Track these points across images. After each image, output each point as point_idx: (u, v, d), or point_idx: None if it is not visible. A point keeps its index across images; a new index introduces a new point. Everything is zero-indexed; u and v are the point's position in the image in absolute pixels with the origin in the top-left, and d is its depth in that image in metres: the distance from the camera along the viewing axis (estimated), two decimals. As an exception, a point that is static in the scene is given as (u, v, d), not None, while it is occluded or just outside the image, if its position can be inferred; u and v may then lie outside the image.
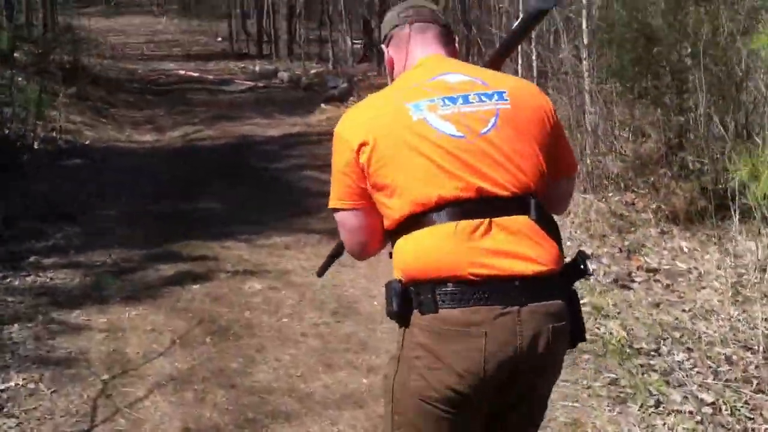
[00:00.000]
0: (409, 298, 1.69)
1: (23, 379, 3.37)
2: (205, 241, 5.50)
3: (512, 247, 1.66)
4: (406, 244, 1.72)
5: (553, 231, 1.74)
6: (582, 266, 1.76)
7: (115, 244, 5.32)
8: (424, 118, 1.72)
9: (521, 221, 1.69)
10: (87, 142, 8.85)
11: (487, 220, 1.66)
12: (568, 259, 1.77)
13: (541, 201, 1.74)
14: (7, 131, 7.36)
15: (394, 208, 1.72)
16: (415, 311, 1.68)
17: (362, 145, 1.71)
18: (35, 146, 7.73)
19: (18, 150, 7.23)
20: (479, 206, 1.67)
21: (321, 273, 2.28)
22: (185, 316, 4.18)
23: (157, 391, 3.34)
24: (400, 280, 1.71)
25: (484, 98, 1.76)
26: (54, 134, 8.52)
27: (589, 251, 4.89)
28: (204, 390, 3.38)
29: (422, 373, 1.68)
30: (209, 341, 3.86)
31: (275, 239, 5.60)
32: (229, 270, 4.93)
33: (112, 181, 7.24)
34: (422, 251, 1.68)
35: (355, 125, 1.77)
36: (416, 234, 1.70)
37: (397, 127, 1.72)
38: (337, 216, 1.84)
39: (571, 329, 1.75)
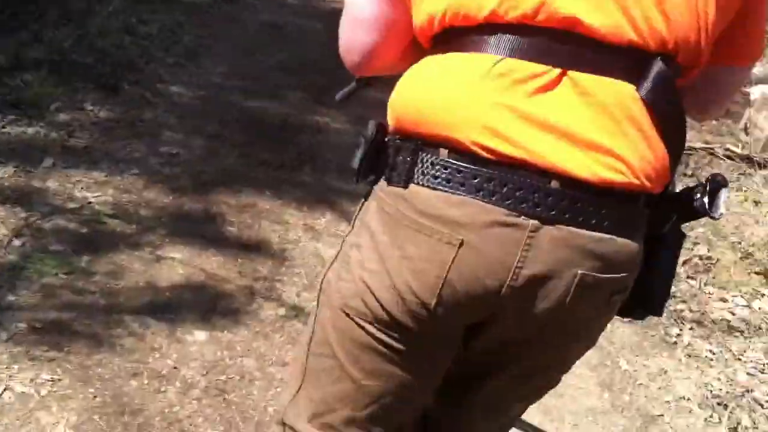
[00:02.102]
0: (382, 154, 1.12)
1: None
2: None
3: (576, 124, 1.01)
4: (414, 70, 1.12)
5: (672, 128, 1.06)
6: (704, 201, 1.09)
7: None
8: None
9: (620, 91, 1.02)
10: None
11: (559, 69, 1.02)
12: (681, 187, 1.16)
13: (675, 71, 1.05)
14: None
15: (425, 5, 1.09)
16: (384, 178, 1.11)
17: None
18: None
19: None
20: (558, 44, 1.02)
21: (342, 97, 1.40)
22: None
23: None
24: (381, 123, 1.14)
25: None
26: None
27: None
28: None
29: (354, 272, 1.13)
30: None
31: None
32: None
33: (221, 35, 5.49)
34: (423, 87, 1.08)
35: None
36: (437, 58, 1.09)
37: None
38: None
39: (638, 292, 1.15)
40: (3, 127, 3.34)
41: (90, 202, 2.97)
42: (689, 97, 1.12)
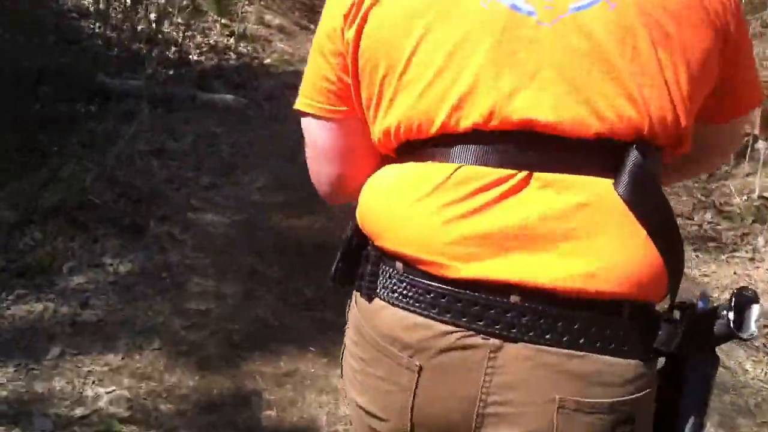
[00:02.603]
0: (356, 260, 1.07)
1: None
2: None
3: (542, 226, 0.92)
4: (373, 178, 1.08)
5: (658, 224, 0.94)
6: (729, 318, 0.95)
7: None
8: None
9: (594, 187, 0.93)
10: (268, 61, 6.63)
11: (525, 172, 0.94)
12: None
13: (654, 158, 0.96)
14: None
15: (377, 125, 1.03)
16: (356, 287, 1.08)
17: (355, 5, 1.01)
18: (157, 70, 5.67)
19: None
20: (520, 146, 0.94)
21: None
22: None
23: None
24: (358, 229, 1.08)
25: None
26: (214, 40, 6.57)
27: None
28: None
29: (350, 377, 1.10)
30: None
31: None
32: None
33: (268, 150, 4.89)
34: (379, 197, 1.04)
35: None
36: (395, 166, 1.04)
37: None
38: (303, 123, 1.14)
39: (660, 426, 0.99)
40: (7, 308, 2.93)
41: (100, 408, 2.50)
42: (689, 163, 1.09)
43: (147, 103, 4.93)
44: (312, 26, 8.27)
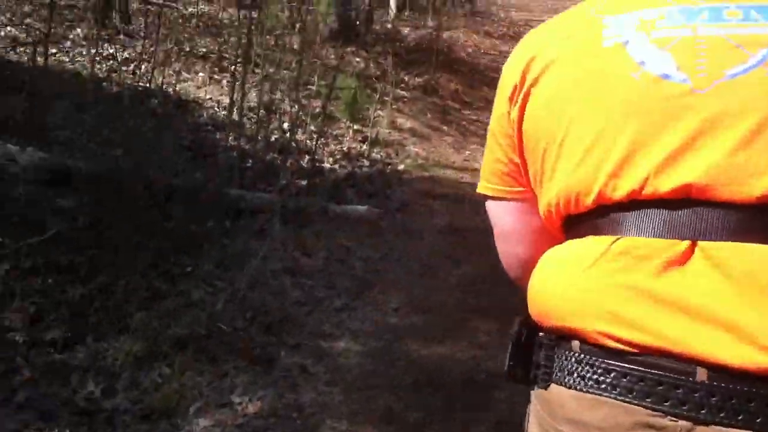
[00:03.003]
0: (527, 352, 1.01)
1: None
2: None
3: (716, 303, 0.84)
4: (540, 260, 1.04)
5: None
6: None
7: None
8: (624, 42, 0.97)
9: (764, 256, 0.85)
10: (401, 167, 6.47)
11: (687, 242, 0.88)
12: None
13: None
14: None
15: (542, 201, 1.05)
16: (532, 378, 1.01)
17: (517, 87, 1.04)
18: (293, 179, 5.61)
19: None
20: (679, 214, 0.89)
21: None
22: None
23: None
24: (526, 319, 1.03)
25: (756, 13, 0.93)
26: (347, 147, 6.48)
27: None
28: None
29: None
30: None
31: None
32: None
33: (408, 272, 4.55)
34: (544, 278, 1.01)
35: (519, 51, 1.09)
36: (557, 248, 1.02)
37: (574, 57, 1.00)
38: (487, 206, 1.18)
39: None
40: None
41: None
42: None
43: (279, 219, 4.80)
44: (444, 127, 8.12)
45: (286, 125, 6.75)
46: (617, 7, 1.01)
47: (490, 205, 1.17)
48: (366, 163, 6.55)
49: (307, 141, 6.62)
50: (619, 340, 0.90)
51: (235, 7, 9.20)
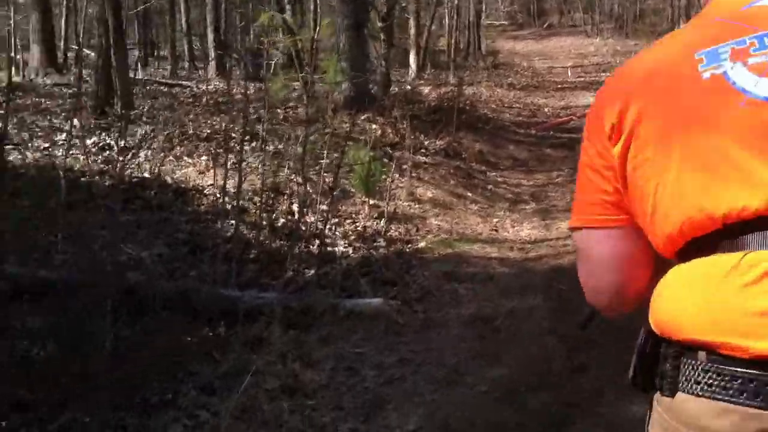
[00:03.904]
0: (653, 362, 1.05)
1: None
2: None
3: None
4: (664, 281, 1.07)
5: None
6: None
7: None
8: (722, 74, 1.03)
9: None
10: (422, 245, 5.84)
11: None
12: None
13: None
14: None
15: (658, 230, 1.08)
16: (656, 387, 1.05)
17: (615, 127, 1.09)
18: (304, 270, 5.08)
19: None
20: None
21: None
22: None
23: None
24: (651, 330, 1.06)
25: None
26: (362, 226, 6.04)
27: None
28: None
29: None
30: None
31: None
32: None
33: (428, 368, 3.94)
34: (675, 296, 1.04)
35: (612, 90, 1.14)
36: (683, 267, 1.05)
37: (673, 94, 1.06)
38: (578, 238, 1.20)
39: None
40: None
41: None
42: None
43: (279, 323, 4.17)
44: (469, 193, 7.50)
45: (295, 207, 6.19)
46: (707, 39, 1.06)
47: (584, 236, 1.19)
48: (382, 243, 5.92)
49: (318, 223, 6.03)
50: (745, 350, 0.94)
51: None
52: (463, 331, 4.34)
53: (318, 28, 8.12)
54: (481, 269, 5.33)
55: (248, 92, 8.26)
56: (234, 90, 8.45)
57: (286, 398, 3.56)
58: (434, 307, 4.66)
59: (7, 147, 6.50)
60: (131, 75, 10.54)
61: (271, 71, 9.42)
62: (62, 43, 13.66)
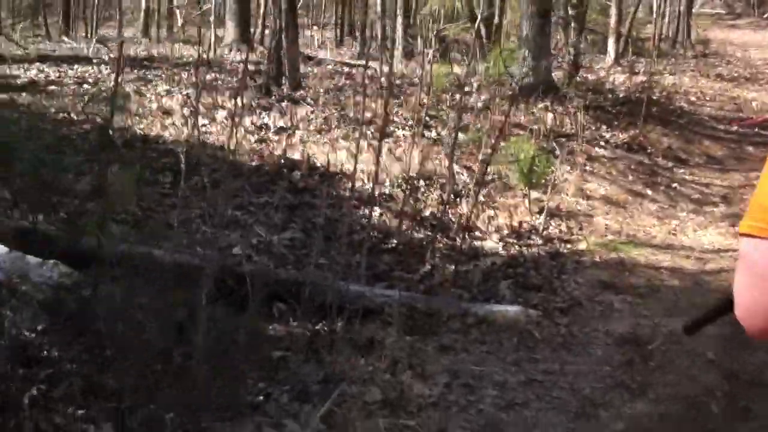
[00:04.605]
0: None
1: None
2: None
3: None
4: None
5: None
6: None
7: None
8: None
9: None
10: (582, 247, 5.26)
11: None
12: None
13: None
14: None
15: None
16: None
17: None
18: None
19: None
20: None
21: (691, 330, 1.26)
22: None
23: None
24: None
25: None
26: (517, 221, 5.53)
27: None
28: None
29: None
30: None
31: None
32: None
33: None
34: None
35: None
36: None
37: None
38: (749, 248, 1.01)
39: None
40: None
41: None
42: None
43: (398, 325, 3.74)
44: (648, 191, 6.67)
45: (445, 196, 5.72)
46: None
47: (757, 244, 1.01)
48: (538, 240, 5.31)
49: (471, 215, 5.51)
50: None
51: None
52: (609, 353, 3.68)
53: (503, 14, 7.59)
54: (646, 280, 4.59)
55: (423, 75, 7.94)
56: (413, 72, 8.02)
57: (386, 414, 3.12)
58: (580, 320, 4.02)
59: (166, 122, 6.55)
60: (309, 55, 10.48)
61: (439, 57, 9.00)
62: (260, 21, 13.90)
